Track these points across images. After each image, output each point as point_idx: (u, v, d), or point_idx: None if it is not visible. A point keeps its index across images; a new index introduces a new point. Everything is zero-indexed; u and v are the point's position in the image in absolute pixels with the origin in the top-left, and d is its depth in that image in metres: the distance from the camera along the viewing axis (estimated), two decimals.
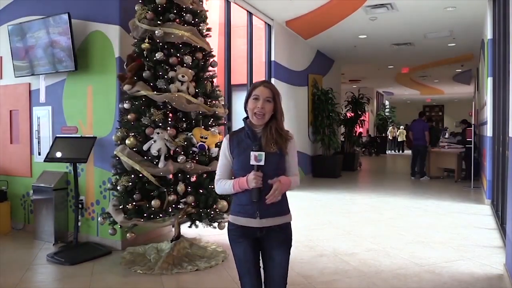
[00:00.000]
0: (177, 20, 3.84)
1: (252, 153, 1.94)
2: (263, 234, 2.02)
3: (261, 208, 1.99)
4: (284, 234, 2.06)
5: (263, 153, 1.93)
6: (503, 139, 4.74)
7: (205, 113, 3.90)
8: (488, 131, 6.40)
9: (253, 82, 2.08)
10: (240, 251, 2.05)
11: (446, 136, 10.62)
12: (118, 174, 3.80)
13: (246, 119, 2.10)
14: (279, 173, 2.00)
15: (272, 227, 2.01)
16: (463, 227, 5.20)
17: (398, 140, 20.70)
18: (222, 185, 2.08)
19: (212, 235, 4.47)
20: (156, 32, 3.71)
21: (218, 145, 3.98)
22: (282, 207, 2.07)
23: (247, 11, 7.15)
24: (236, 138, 2.08)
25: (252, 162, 1.93)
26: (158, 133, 3.63)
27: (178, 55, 3.79)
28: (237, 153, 2.05)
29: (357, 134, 12.82)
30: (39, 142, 4.89)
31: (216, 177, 2.13)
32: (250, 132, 2.06)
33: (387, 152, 19.91)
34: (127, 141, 3.69)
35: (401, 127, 20.84)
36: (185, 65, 3.79)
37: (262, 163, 1.93)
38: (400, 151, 20.61)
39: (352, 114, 12.08)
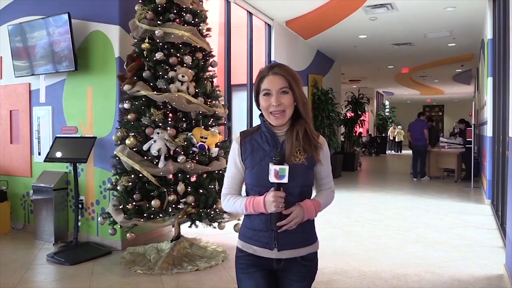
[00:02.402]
0: (177, 20, 3.84)
1: (272, 167, 1.45)
2: (281, 265, 1.58)
3: (280, 237, 1.53)
4: (308, 268, 1.62)
5: (287, 168, 1.44)
6: (503, 139, 4.74)
7: (205, 113, 3.90)
8: (488, 131, 6.40)
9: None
10: (250, 284, 1.59)
11: (444, 140, 10.60)
12: (118, 174, 3.80)
13: (263, 116, 1.60)
14: (305, 190, 1.57)
15: (293, 258, 1.58)
16: (463, 227, 5.20)
17: (396, 140, 20.67)
18: (231, 203, 1.60)
19: (212, 235, 4.47)
20: (156, 32, 3.71)
21: (218, 145, 3.98)
22: (308, 235, 1.61)
23: (247, 11, 7.15)
24: (249, 142, 1.59)
25: (272, 179, 1.45)
26: (158, 133, 3.63)
27: (178, 55, 3.79)
28: (251, 162, 1.57)
29: (357, 134, 12.83)
30: (39, 142, 4.89)
31: (223, 191, 1.66)
32: (269, 135, 1.57)
33: (387, 152, 19.91)
34: (127, 141, 3.69)
35: (399, 127, 20.83)
36: (185, 65, 3.79)
37: (285, 180, 1.44)
38: (399, 151, 20.57)
39: (352, 114, 12.08)
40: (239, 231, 1.66)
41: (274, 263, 1.57)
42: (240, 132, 1.65)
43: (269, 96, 1.53)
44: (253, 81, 1.63)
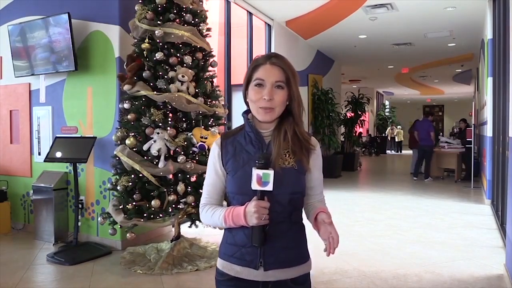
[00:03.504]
0: (177, 20, 3.83)
1: (255, 172, 1.23)
2: None
3: (266, 254, 1.30)
4: None
5: (271, 173, 1.22)
6: (503, 139, 4.74)
7: (205, 113, 3.90)
8: (488, 131, 6.39)
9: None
10: None
11: (444, 139, 10.57)
12: (118, 174, 3.80)
13: (247, 113, 1.41)
14: (296, 198, 1.34)
15: (282, 281, 1.34)
16: (463, 227, 5.20)
17: (396, 140, 20.66)
18: (209, 214, 1.37)
19: (212, 235, 4.47)
20: (156, 32, 3.71)
21: None
22: (299, 252, 1.37)
23: (247, 11, 7.15)
24: (231, 143, 1.38)
25: (254, 186, 1.23)
26: (158, 133, 3.63)
27: (178, 55, 3.79)
28: (233, 166, 1.35)
29: (357, 134, 12.83)
30: (39, 142, 4.89)
31: (202, 201, 1.43)
32: (253, 135, 1.36)
33: (387, 152, 19.91)
34: (127, 141, 3.69)
35: (399, 126, 20.81)
36: (185, 65, 3.78)
37: (269, 187, 1.22)
38: (399, 151, 20.56)
39: (352, 114, 12.09)
40: (219, 248, 1.43)
41: (260, 287, 1.33)
42: (221, 133, 1.47)
43: (261, 88, 1.32)
44: None
